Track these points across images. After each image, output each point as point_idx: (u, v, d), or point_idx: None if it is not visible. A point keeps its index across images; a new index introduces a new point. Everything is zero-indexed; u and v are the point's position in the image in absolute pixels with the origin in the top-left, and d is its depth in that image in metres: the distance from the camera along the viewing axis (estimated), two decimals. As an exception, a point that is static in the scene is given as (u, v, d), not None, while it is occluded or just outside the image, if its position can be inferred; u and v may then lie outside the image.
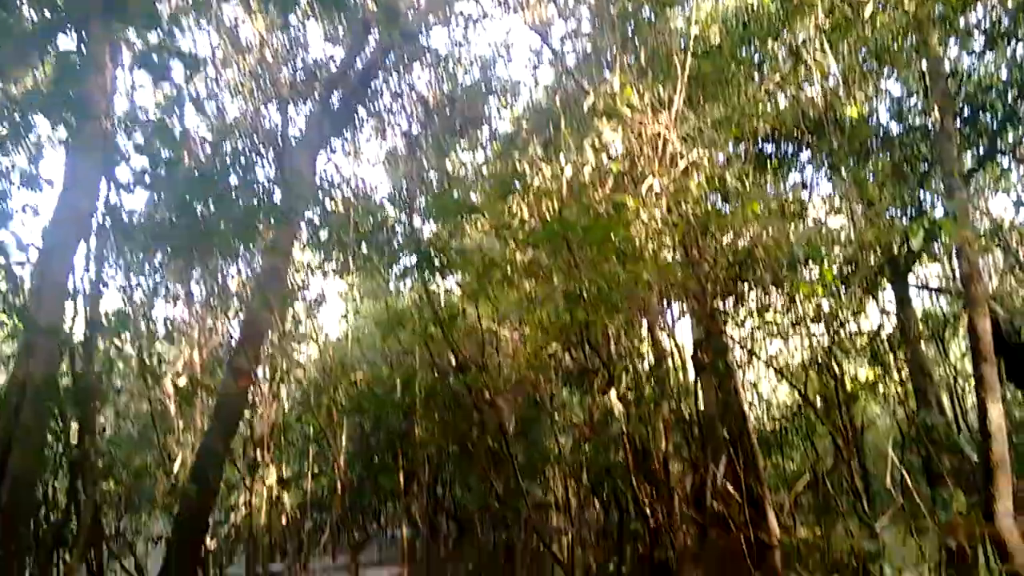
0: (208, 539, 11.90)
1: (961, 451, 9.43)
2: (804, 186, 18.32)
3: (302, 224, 15.75)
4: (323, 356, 17.47)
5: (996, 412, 11.77)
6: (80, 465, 8.83)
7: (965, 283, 12.37)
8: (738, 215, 8.51)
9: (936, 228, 6.51)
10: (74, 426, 9.03)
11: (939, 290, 22.31)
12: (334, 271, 17.57)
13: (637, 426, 9.45)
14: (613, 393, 8.72)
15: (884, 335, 20.07)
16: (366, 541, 13.11)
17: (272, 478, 12.38)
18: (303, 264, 16.73)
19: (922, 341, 19.77)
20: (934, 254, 18.76)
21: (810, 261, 7.97)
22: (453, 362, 16.03)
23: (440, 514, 25.63)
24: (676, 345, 10.66)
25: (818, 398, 12.50)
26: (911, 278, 22.16)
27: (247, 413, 13.23)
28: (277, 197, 11.13)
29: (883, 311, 20.88)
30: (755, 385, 17.07)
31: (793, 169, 15.01)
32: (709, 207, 8.94)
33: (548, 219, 9.60)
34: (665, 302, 10.35)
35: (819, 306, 8.90)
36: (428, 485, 24.94)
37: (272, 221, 7.72)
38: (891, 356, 19.40)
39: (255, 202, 7.41)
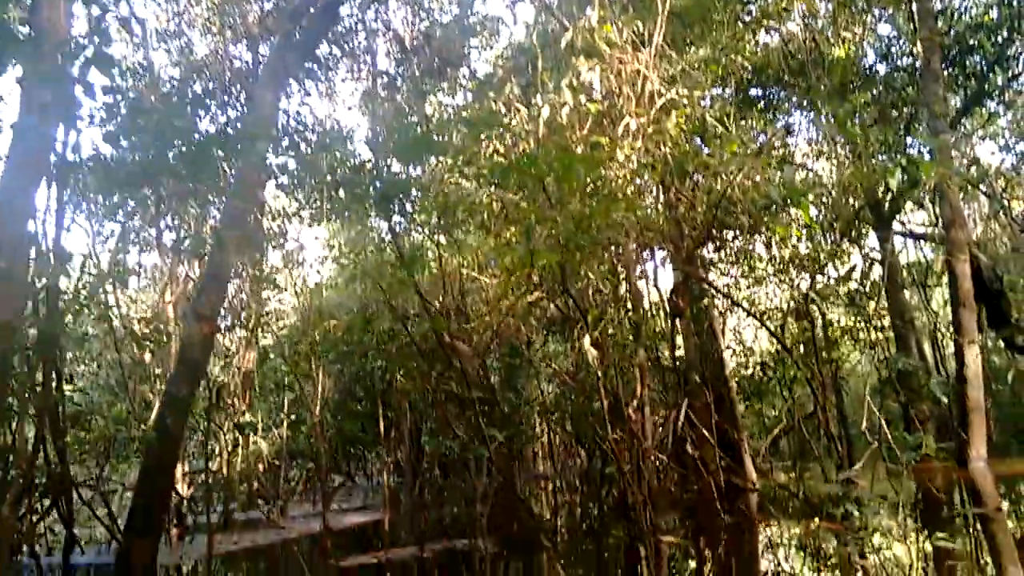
0: (185, 487, 11.87)
1: (936, 396, 9.37)
2: (788, 131, 18.05)
3: (274, 167, 15.44)
4: (300, 303, 17.28)
5: (973, 358, 11.77)
6: (45, 412, 8.68)
7: (946, 227, 12.25)
8: (716, 155, 8.26)
9: (914, 167, 6.31)
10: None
11: (923, 237, 22.22)
12: (310, 217, 17.29)
13: (610, 371, 9.34)
14: (587, 339, 8.57)
15: (865, 281, 20.07)
16: (338, 488, 13.06)
17: (248, 425, 12.29)
18: (279, 211, 16.42)
19: (904, 288, 19.76)
20: (918, 199, 18.61)
21: (788, 203, 7.76)
22: (427, 308, 15.91)
23: (424, 461, 25.82)
24: (652, 290, 10.52)
25: (797, 344, 12.45)
26: (896, 226, 22.10)
27: (223, 360, 13.09)
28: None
29: (866, 257, 20.84)
30: (735, 331, 16.99)
31: (778, 112, 14.70)
32: (687, 147, 8.67)
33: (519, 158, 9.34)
34: (641, 246, 10.15)
35: (796, 250, 8.73)
36: (411, 432, 25.06)
37: (233, 159, 7.45)
38: (871, 303, 19.41)
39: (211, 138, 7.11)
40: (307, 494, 18.88)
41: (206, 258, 9.22)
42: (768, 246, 8.74)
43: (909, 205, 22.91)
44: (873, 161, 10.35)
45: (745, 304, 14.28)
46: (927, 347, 24.40)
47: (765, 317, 14.63)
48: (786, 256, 9.15)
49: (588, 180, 8.30)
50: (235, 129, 8.77)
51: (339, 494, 19.67)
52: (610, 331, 10.19)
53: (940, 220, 13.12)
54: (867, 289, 18.83)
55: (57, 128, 8.41)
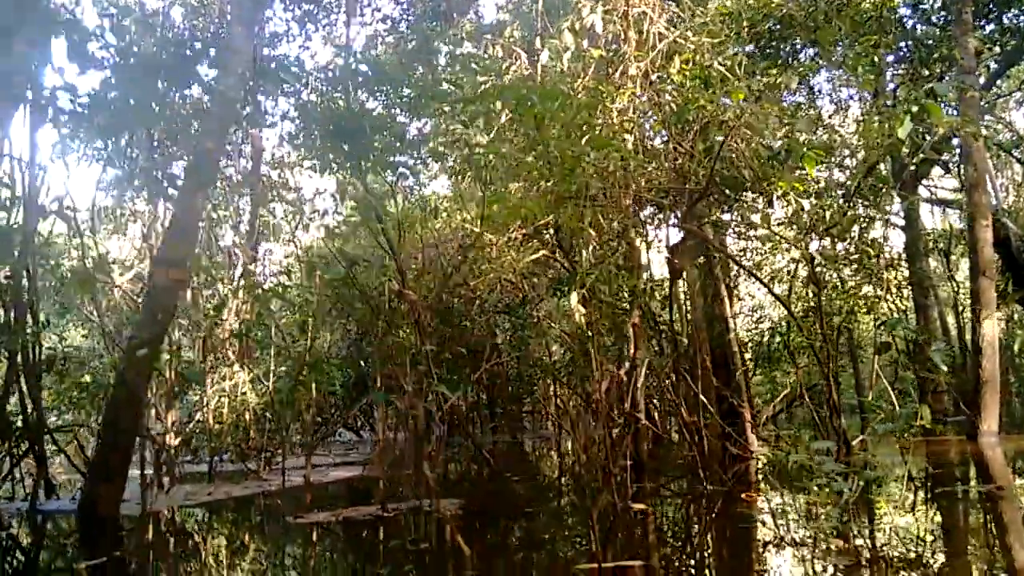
0: (173, 436, 11.72)
1: (936, 364, 8.85)
2: (811, 89, 17.28)
3: (275, 114, 15.08)
4: (301, 255, 17.01)
5: (990, 327, 11.20)
6: (15, 355, 8.50)
7: (969, 190, 11.60)
8: (717, 101, 7.72)
9: (924, 114, 5.75)
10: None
11: (950, 203, 21.39)
12: (313, 169, 16.95)
13: (600, 331, 8.94)
14: (573, 297, 8.14)
15: (884, 248, 19.36)
16: (320, 442, 12.88)
17: (238, 376, 12.10)
18: (279, 159, 16.11)
19: (927, 256, 19.04)
20: (945, 162, 17.81)
21: (791, 156, 7.22)
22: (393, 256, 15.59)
23: (431, 416, 25.81)
24: (649, 246, 10.04)
25: (808, 312, 11.95)
26: (924, 192, 21.27)
27: (214, 310, 12.85)
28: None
29: (887, 223, 20.09)
30: (749, 296, 16.44)
31: (799, 68, 13.97)
32: (690, 95, 8.12)
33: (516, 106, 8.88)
34: (639, 201, 9.65)
35: (800, 207, 8.20)
36: (417, 388, 24.95)
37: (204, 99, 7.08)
38: (891, 271, 18.74)
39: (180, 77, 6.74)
40: (299, 446, 18.89)
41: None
42: (770, 203, 8.20)
43: (938, 171, 22.07)
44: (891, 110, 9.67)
45: (749, 265, 13.78)
46: (950, 318, 23.71)
47: (772, 280, 14.12)
48: (788, 213, 8.62)
49: (583, 125, 7.81)
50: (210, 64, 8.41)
51: (341, 448, 19.67)
52: (603, 288, 9.76)
53: (964, 184, 12.42)
54: (886, 255, 18.19)
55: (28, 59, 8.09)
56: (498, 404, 21.74)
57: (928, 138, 16.23)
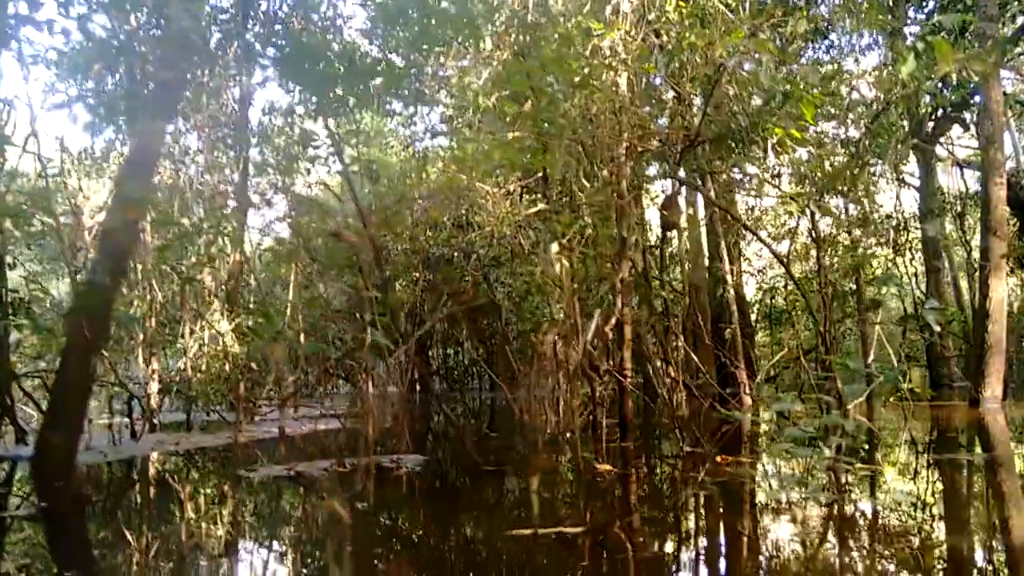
0: (155, 384, 11.52)
1: (929, 326, 8.41)
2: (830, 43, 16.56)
3: (267, 57, 14.56)
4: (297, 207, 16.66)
5: (999, 290, 10.71)
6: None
7: (985, 145, 11.01)
8: (715, 43, 7.19)
9: (930, 51, 5.24)
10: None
11: (968, 164, 20.65)
12: (308, 113, 16.50)
13: (582, 284, 8.56)
14: (554, 247, 7.76)
15: (896, 208, 18.76)
16: (293, 395, 12.63)
17: (220, 326, 11.84)
18: (269, 105, 15.62)
19: (939, 217, 18.43)
20: (963, 119, 17.09)
21: (789, 100, 6.74)
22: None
23: (430, 373, 25.68)
24: (637, 197, 9.57)
25: (814, 272, 11.49)
26: (941, 152, 20.54)
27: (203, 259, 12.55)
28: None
29: (900, 181, 19.44)
30: (739, 251, 15.95)
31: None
32: (685, 34, 7.59)
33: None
34: (632, 150, 9.16)
35: (797, 157, 7.70)
36: (417, 343, 24.79)
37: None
38: (902, 231, 18.18)
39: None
40: (305, 397, 18.77)
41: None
42: (765, 153, 7.71)
43: (958, 132, 21.29)
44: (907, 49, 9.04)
45: (747, 221, 13.28)
46: (963, 282, 23.11)
47: (775, 238, 13.63)
48: (784, 162, 8.12)
49: (564, 61, 7.32)
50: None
51: (341, 400, 19.54)
52: (590, 240, 9.35)
53: (979, 139, 11.80)
54: (897, 215, 17.60)
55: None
56: (497, 360, 21.52)
57: (946, 93, 15.56)
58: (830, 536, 3.63)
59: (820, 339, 10.19)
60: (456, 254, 17.09)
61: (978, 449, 7.12)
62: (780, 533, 3.69)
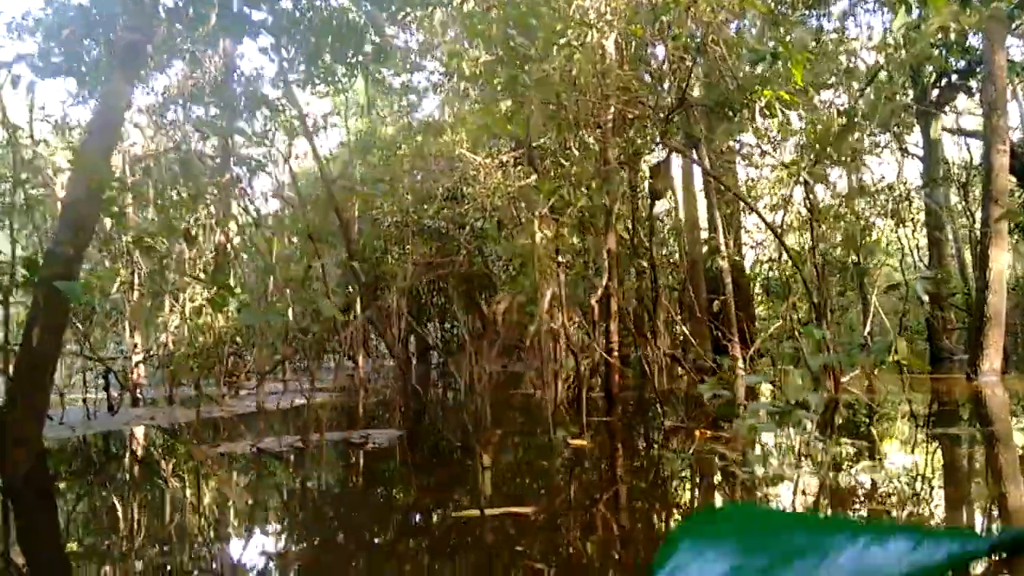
0: (141, 358, 11.36)
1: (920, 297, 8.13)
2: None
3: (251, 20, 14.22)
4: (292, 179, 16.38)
5: (1000, 260, 10.39)
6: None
7: (988, 111, 10.65)
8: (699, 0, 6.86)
9: (923, 4, 4.92)
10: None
11: (974, 134, 20.17)
12: (295, 82, 16.17)
13: (571, 254, 8.30)
14: (536, 214, 7.49)
15: (899, 181, 18.38)
16: (273, 369, 12.46)
17: (201, 299, 11.64)
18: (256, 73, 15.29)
19: (941, 186, 18.05)
20: (968, 87, 16.64)
21: (778, 60, 6.41)
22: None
23: (428, 347, 25.53)
24: (632, 166, 9.28)
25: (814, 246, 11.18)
26: (947, 122, 20.07)
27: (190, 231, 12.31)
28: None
29: (904, 151, 19.05)
30: (734, 221, 15.61)
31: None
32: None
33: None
34: (618, 117, 8.85)
35: (786, 120, 7.37)
36: (414, 316, 24.61)
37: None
38: (904, 201, 17.82)
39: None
40: (298, 371, 18.65)
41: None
42: (752, 118, 7.38)
43: (964, 103, 20.81)
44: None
45: (745, 190, 12.96)
46: (967, 254, 22.73)
47: (773, 209, 13.30)
48: (774, 127, 7.80)
49: (554, 28, 7.01)
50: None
51: (338, 374, 19.41)
52: (577, 208, 9.08)
53: (982, 106, 11.42)
54: (899, 186, 17.22)
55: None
56: (495, 332, 21.34)
57: (951, 61, 15.14)
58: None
59: (815, 311, 9.94)
60: (449, 226, 16.83)
61: (967, 423, 6.88)
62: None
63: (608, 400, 8.79)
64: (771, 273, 18.97)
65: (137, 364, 10.43)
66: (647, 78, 8.50)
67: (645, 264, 9.25)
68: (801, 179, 9.09)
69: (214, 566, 2.87)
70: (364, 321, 15.31)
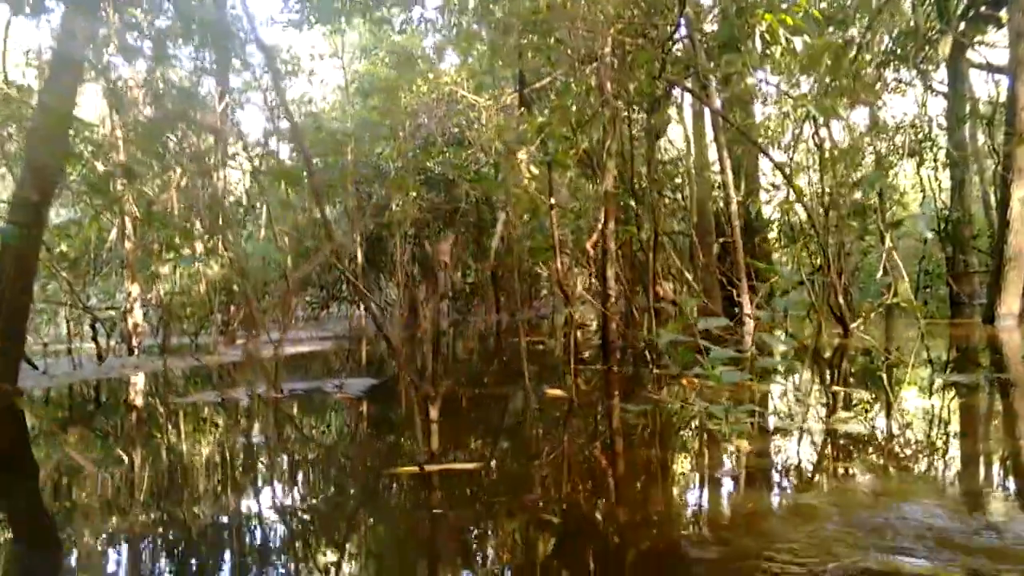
0: (126, 309, 11.23)
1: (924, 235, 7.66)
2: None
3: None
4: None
5: (1021, 199, 9.87)
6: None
7: (1014, 41, 9.99)
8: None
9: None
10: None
11: (999, 69, 19.22)
12: (292, 23, 15.71)
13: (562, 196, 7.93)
14: (521, 154, 7.11)
15: (921, 118, 17.62)
16: (261, 319, 12.24)
17: (199, 248, 11.44)
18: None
19: (966, 124, 17.26)
20: (998, 18, 15.75)
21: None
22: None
23: (439, 296, 25.37)
24: (623, 99, 8.80)
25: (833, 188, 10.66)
26: (976, 57, 19.12)
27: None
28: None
29: (928, 88, 18.21)
30: (749, 163, 15.05)
31: None
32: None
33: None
34: (617, 52, 8.35)
35: (790, 46, 6.85)
36: (426, 265, 24.38)
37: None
38: (927, 140, 17.13)
39: None
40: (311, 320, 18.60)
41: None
42: (753, 45, 6.86)
43: (994, 36, 19.76)
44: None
45: (761, 131, 12.41)
46: (992, 195, 21.94)
47: (789, 150, 12.74)
48: (776, 55, 7.29)
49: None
50: None
51: (329, 321, 19.33)
52: (580, 150, 8.66)
53: (1010, 34, 10.71)
54: (919, 122, 16.49)
55: None
56: (501, 281, 21.07)
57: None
58: (725, 464, 3.14)
59: (823, 255, 9.51)
60: (453, 172, 16.43)
61: (971, 370, 6.51)
62: (678, 464, 3.22)
63: (604, 349, 8.50)
64: (789, 218, 18.42)
65: (126, 313, 10.28)
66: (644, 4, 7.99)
67: (640, 207, 8.85)
68: (809, 114, 8.59)
69: (90, 515, 2.65)
70: (363, 269, 15.15)
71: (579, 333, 9.56)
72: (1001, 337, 8.94)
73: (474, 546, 2.33)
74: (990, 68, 20.51)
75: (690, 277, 9.93)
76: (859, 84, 7.71)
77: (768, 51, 7.16)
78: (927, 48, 16.60)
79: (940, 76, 18.81)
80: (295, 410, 5.04)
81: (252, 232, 15.10)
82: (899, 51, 16.32)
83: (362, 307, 15.51)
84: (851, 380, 5.87)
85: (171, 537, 2.48)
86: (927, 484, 2.85)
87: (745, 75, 8.76)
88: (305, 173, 6.10)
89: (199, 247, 11.32)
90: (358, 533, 2.51)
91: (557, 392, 5.06)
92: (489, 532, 2.46)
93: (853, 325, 9.16)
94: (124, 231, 11.20)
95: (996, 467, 3.16)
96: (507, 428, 4.30)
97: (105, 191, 7.48)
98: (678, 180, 17.23)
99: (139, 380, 7.52)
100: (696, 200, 13.85)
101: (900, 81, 17.76)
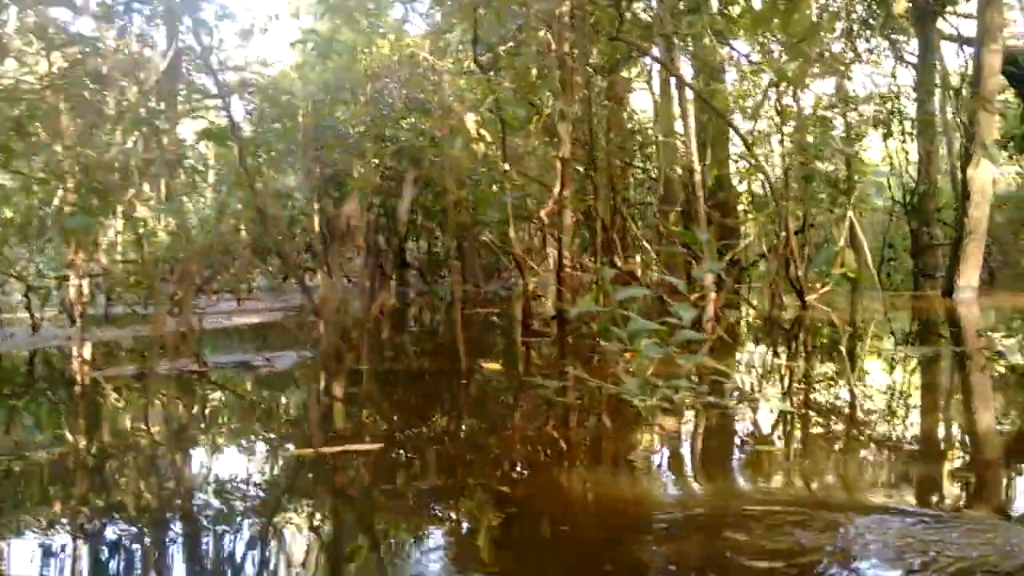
0: (61, 277, 10.81)
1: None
2: None
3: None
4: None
5: (984, 170, 9.76)
6: None
7: (982, 6, 9.80)
8: None
9: None
10: None
11: (970, 40, 19.08)
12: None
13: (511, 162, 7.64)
14: (469, 118, 6.80)
15: (890, 88, 17.47)
16: (201, 288, 11.92)
17: (142, 210, 11.02)
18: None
19: (937, 99, 17.15)
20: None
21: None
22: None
23: (407, 267, 24.98)
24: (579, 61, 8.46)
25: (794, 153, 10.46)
26: (947, 28, 18.96)
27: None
28: None
29: (899, 59, 18.05)
30: (718, 132, 14.77)
31: None
32: None
33: None
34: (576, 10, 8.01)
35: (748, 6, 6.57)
36: (395, 236, 23.99)
37: None
38: (895, 112, 17.00)
39: None
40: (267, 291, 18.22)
41: None
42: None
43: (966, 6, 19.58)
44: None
45: (732, 99, 12.14)
46: (960, 169, 21.94)
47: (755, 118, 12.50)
48: (734, 13, 7.01)
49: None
50: None
51: (290, 292, 18.94)
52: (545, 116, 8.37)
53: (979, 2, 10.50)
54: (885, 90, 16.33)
55: None
56: (467, 252, 20.77)
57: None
58: (634, 444, 2.95)
59: (784, 225, 9.32)
60: (414, 138, 15.99)
61: (915, 342, 6.40)
62: (580, 444, 3.03)
63: (559, 320, 8.29)
64: (751, 187, 18.24)
65: (63, 280, 9.89)
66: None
67: (597, 175, 8.58)
68: (772, 82, 8.36)
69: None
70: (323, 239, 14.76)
71: (542, 305, 9.35)
72: (959, 310, 8.86)
73: (338, 535, 2.11)
74: (961, 40, 20.39)
75: (648, 245, 9.72)
76: (814, 42, 7.45)
77: (726, 10, 6.89)
78: (888, 15, 16.34)
79: (912, 48, 18.65)
80: (210, 385, 4.76)
81: (208, 197, 14.66)
82: (869, 19, 16.09)
83: (319, 278, 15.12)
84: (797, 353, 5.73)
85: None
86: (834, 464, 2.67)
87: (703, 36, 8.45)
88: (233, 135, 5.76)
89: (144, 211, 10.90)
90: (232, 520, 2.27)
91: (493, 366, 4.84)
92: (364, 520, 2.24)
93: (811, 297, 9.02)
94: (65, 196, 10.75)
95: (920, 445, 3.00)
96: (422, 406, 4.06)
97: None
98: (650, 150, 16.97)
99: (66, 352, 7.19)
100: (662, 170, 13.62)
101: (871, 51, 17.56)
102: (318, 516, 2.29)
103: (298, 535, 2.11)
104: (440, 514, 2.24)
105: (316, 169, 15.52)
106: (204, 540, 2.10)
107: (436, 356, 6.12)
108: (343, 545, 2.06)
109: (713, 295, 10.82)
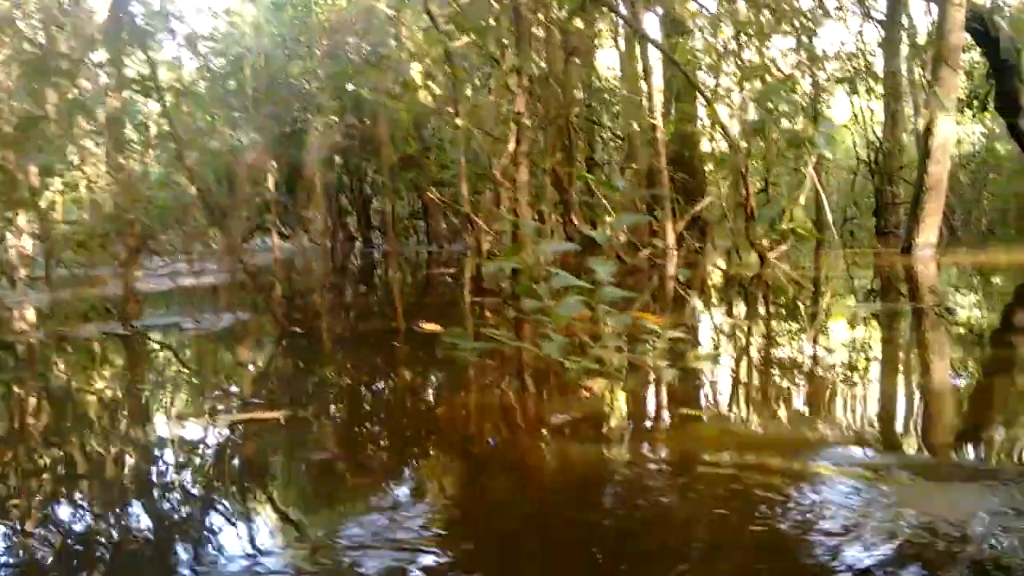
0: (17, 240, 10.41)
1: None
2: None
3: None
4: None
5: (945, 128, 9.67)
6: None
7: (945, -40, 9.62)
8: None
9: None
10: None
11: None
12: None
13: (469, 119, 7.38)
14: (415, 69, 6.52)
15: (856, 45, 17.32)
16: (139, 248, 11.58)
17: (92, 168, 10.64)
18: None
19: (903, 57, 17.06)
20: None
21: None
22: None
23: (371, 227, 24.64)
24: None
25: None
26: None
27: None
28: None
29: (866, 15, 17.87)
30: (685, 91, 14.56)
31: None
32: None
33: None
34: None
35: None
36: (360, 196, 23.60)
37: None
38: (863, 69, 16.87)
39: None
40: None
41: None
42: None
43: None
44: None
45: (664, 46, 11.89)
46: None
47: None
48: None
49: None
50: None
51: (251, 253, 18.51)
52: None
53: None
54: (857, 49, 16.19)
55: None
56: (432, 212, 20.46)
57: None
58: (552, 409, 2.82)
59: (737, 183, 9.19)
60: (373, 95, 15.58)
61: (870, 298, 6.34)
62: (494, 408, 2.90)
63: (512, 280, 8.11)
64: (715, 145, 18.10)
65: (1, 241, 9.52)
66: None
67: (551, 131, 8.35)
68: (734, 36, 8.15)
69: None
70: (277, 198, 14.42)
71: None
72: (916, 267, 8.83)
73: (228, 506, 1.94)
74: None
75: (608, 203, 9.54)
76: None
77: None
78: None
79: (881, 6, 18.45)
80: (131, 348, 4.54)
81: (157, 156, 14.17)
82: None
83: (276, 237, 14.81)
84: (738, 310, 5.63)
85: None
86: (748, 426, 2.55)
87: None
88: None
89: (88, 170, 10.51)
90: (110, 490, 2.09)
91: (432, 327, 4.66)
92: (257, 492, 2.08)
93: (771, 255, 8.94)
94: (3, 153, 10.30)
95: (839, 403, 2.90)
96: (354, 368, 3.89)
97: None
98: (617, 108, 16.70)
99: (16, 313, 6.91)
100: (625, 129, 13.41)
101: (840, 8, 17.37)
102: (212, 491, 2.12)
103: (182, 506, 1.95)
104: (336, 485, 2.09)
105: (272, 126, 15.09)
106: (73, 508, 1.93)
107: (377, 317, 5.93)
108: (234, 514, 1.89)
109: (673, 253, 10.74)
